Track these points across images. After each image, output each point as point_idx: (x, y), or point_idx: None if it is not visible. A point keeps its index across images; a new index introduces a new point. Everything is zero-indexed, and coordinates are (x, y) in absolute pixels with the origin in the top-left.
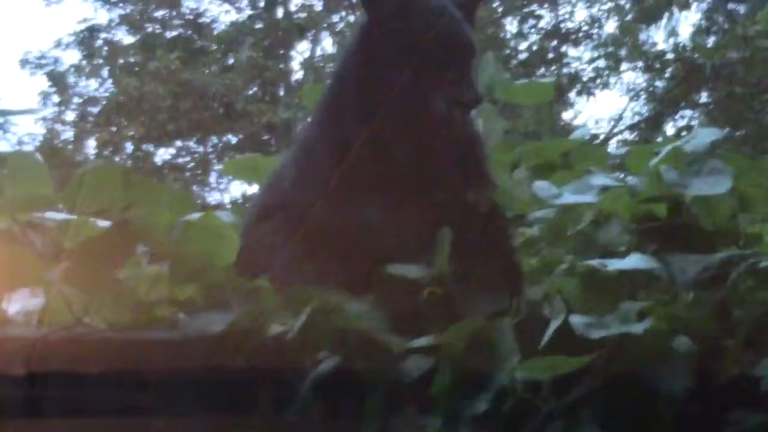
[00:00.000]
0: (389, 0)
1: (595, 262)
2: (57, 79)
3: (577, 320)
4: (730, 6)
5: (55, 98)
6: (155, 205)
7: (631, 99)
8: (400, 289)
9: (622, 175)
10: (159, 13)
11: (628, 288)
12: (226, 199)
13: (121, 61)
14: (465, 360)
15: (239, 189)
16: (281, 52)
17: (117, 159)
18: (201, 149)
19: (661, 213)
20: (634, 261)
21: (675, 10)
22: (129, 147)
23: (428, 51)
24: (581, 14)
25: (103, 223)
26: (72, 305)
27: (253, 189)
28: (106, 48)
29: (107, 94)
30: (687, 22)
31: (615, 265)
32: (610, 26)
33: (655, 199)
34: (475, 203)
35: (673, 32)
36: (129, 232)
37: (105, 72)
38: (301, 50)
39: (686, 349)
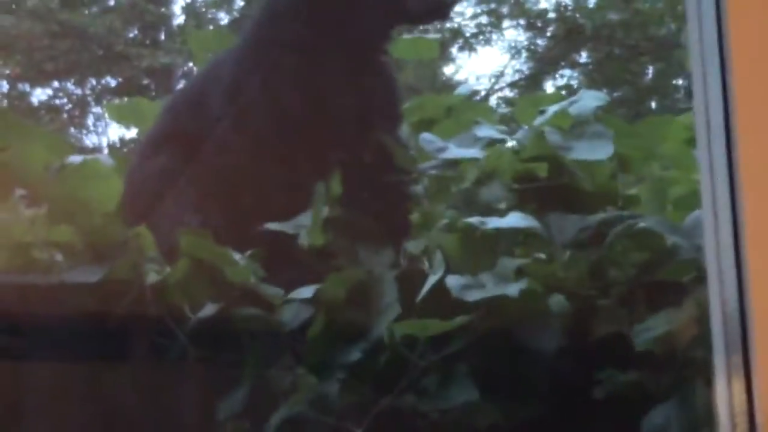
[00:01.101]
0: None
1: (474, 220)
2: None
3: (453, 281)
4: None
5: None
6: (32, 147)
7: (512, 56)
8: (281, 243)
9: (507, 129)
10: None
11: (506, 246)
12: (104, 142)
13: None
14: (343, 310)
15: (117, 133)
16: None
17: None
18: (79, 91)
19: (542, 173)
20: (514, 219)
21: None
22: (4, 86)
23: None
24: None
25: None
26: None
27: (132, 133)
28: None
29: None
30: None
31: (494, 223)
32: None
33: (537, 159)
34: (376, 149)
35: None
36: (6, 174)
37: None
38: None
39: (560, 309)
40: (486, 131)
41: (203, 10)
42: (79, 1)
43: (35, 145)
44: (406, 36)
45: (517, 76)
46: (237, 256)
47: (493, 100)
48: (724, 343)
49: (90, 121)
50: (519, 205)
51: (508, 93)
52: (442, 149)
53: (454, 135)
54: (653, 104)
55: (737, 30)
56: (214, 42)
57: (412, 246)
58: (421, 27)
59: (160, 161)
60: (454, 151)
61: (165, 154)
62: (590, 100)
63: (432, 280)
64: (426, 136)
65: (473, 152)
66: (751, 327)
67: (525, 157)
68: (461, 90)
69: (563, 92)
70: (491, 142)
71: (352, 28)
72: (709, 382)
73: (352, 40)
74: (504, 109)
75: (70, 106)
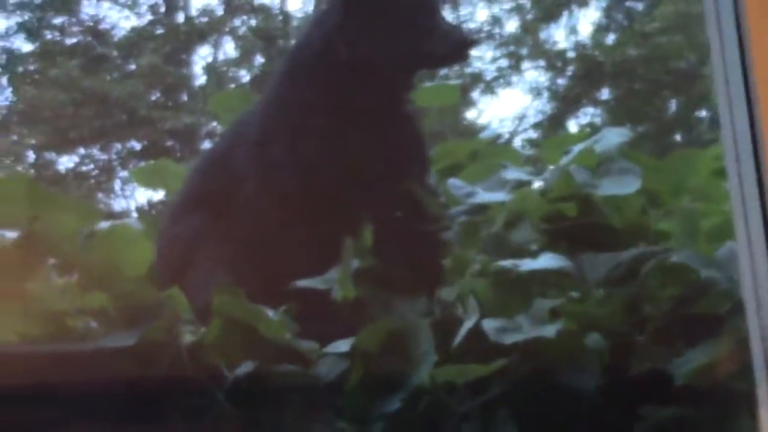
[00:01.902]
0: None
1: (506, 263)
2: None
3: (489, 325)
4: (629, 4)
5: None
6: (61, 216)
7: (534, 98)
8: (314, 297)
9: (533, 170)
10: (57, 20)
11: (540, 287)
12: (132, 206)
13: (21, 69)
14: (379, 361)
15: (144, 196)
16: (183, 57)
17: (19, 168)
18: (104, 156)
19: (571, 212)
20: (546, 260)
21: (574, 8)
22: (31, 156)
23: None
24: (482, 14)
25: (10, 235)
26: None
27: (159, 196)
28: (4, 56)
29: (7, 103)
30: (587, 20)
31: (527, 265)
32: (512, 26)
33: (565, 199)
34: (406, 200)
35: (573, 30)
36: (37, 244)
37: (4, 81)
38: (203, 55)
39: (597, 347)
40: (513, 173)
41: (224, 69)
42: (101, 68)
43: (64, 214)
44: (427, 84)
45: (539, 117)
46: (270, 313)
47: (517, 142)
48: (766, 375)
49: (117, 185)
50: (549, 246)
51: (531, 134)
52: (470, 194)
53: (481, 179)
54: (678, 137)
55: (761, 59)
56: (235, 101)
57: (446, 293)
58: (441, 73)
59: (190, 222)
60: (483, 196)
61: (194, 215)
62: (614, 137)
63: (467, 325)
64: (453, 181)
65: (501, 195)
66: None
67: (553, 197)
68: (485, 134)
69: (587, 130)
70: (519, 184)
71: (375, 78)
72: (753, 415)
73: (375, 91)
74: (528, 151)
75: (96, 171)
